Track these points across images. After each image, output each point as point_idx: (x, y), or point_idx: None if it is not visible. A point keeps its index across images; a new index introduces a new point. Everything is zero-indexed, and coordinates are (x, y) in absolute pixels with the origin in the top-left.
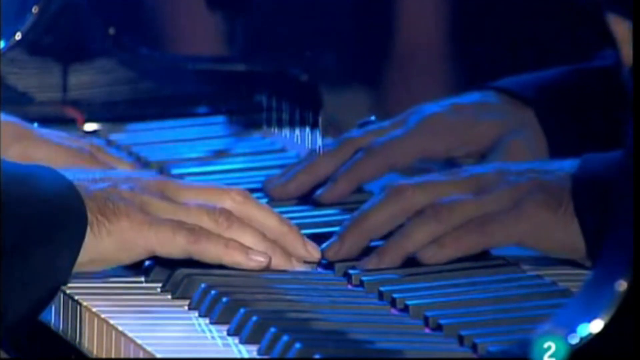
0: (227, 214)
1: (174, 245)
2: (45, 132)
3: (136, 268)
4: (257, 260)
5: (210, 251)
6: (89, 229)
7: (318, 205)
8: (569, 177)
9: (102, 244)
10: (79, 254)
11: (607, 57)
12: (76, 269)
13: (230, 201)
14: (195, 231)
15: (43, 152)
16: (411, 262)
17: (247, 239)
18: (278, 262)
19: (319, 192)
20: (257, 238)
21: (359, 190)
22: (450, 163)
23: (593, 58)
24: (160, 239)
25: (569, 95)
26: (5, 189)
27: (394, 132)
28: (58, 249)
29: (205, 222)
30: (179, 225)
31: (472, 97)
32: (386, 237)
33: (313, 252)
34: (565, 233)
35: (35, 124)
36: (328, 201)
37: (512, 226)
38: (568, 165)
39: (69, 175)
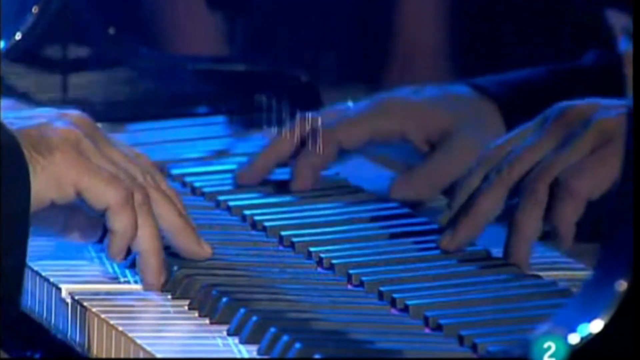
0: (144, 193)
1: (101, 195)
2: None
3: (135, 267)
4: (154, 282)
5: (121, 221)
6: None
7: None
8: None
9: (36, 180)
10: (30, 197)
11: (589, 57)
12: None
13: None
14: (126, 192)
15: None
16: (411, 262)
17: (169, 207)
18: (188, 237)
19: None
20: (155, 233)
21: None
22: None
23: (577, 58)
24: (92, 183)
25: (539, 93)
26: None
27: (347, 113)
28: (10, 197)
29: (133, 173)
30: (115, 179)
31: (442, 87)
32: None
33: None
34: None
35: None
36: (297, 190)
37: (601, 173)
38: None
39: None
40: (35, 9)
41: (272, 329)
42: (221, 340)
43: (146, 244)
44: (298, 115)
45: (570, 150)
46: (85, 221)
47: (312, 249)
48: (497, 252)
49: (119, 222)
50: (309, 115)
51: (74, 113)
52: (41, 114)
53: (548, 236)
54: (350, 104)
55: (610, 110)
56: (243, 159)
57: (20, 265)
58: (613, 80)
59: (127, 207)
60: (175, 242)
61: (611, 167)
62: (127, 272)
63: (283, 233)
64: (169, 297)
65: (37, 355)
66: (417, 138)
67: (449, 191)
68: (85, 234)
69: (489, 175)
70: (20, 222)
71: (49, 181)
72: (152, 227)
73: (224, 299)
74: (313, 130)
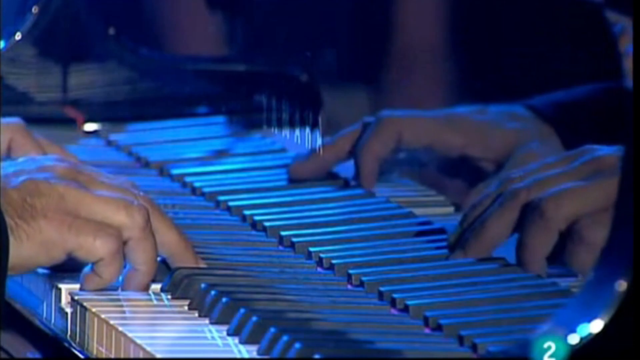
0: (144, 211)
1: (92, 251)
2: None
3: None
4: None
5: (113, 269)
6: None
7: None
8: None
9: (23, 248)
10: (6, 270)
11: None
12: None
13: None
14: (116, 241)
15: None
16: (411, 262)
17: (165, 233)
18: (190, 262)
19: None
20: (175, 234)
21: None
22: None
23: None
24: (80, 242)
25: (591, 113)
26: None
27: (414, 113)
28: None
29: (122, 215)
30: (101, 230)
31: (500, 106)
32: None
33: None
34: None
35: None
36: (361, 183)
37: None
38: None
39: None
40: (35, 9)
41: (272, 329)
42: (221, 340)
43: (175, 247)
44: (362, 120)
45: (586, 187)
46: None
47: (312, 249)
48: (496, 252)
49: (108, 272)
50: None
51: (55, 164)
52: (23, 169)
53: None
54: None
55: None
56: (243, 159)
57: None
58: None
59: (117, 257)
60: (176, 262)
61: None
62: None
63: (283, 233)
64: (169, 297)
65: (37, 355)
66: (479, 155)
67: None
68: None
69: (502, 197)
70: None
71: (37, 248)
72: (168, 230)
73: (224, 299)
74: (375, 122)
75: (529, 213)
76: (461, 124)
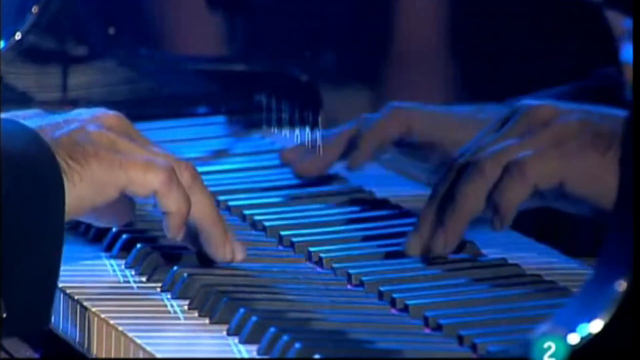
0: (192, 169)
1: (144, 184)
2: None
3: (135, 267)
4: (179, 238)
5: (167, 199)
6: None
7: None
8: (621, 121)
9: (76, 189)
10: (64, 216)
11: (604, 77)
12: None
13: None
14: (167, 172)
15: None
16: (411, 262)
17: (203, 198)
18: (217, 234)
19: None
20: (212, 203)
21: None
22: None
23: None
24: (131, 176)
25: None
26: None
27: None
28: (41, 215)
29: (171, 163)
30: (150, 164)
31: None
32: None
33: (239, 248)
34: (611, 178)
35: None
36: (358, 162)
37: (555, 164)
38: (622, 112)
39: (32, 124)
40: (35, 9)
41: (272, 329)
42: (221, 340)
43: (204, 216)
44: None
45: (525, 142)
46: (117, 204)
47: (312, 249)
48: (497, 252)
49: (169, 202)
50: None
51: (107, 114)
52: (74, 119)
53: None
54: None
55: (571, 115)
56: (243, 159)
57: (53, 280)
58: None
59: (173, 185)
60: (204, 235)
61: (564, 162)
62: (127, 272)
63: (283, 233)
64: (169, 297)
65: (37, 355)
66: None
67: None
68: (120, 217)
69: (470, 172)
70: (54, 238)
71: (89, 188)
72: (207, 198)
73: (224, 299)
74: (386, 109)
75: (505, 175)
76: (469, 124)
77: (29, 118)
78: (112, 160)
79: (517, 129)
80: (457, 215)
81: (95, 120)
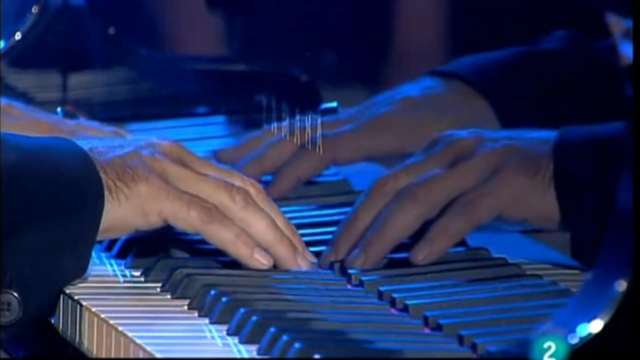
0: (244, 193)
1: (186, 220)
2: (73, 123)
3: (135, 267)
4: (260, 261)
5: (219, 235)
6: (107, 194)
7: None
8: (546, 143)
9: (121, 209)
10: (98, 229)
11: (556, 39)
12: (98, 237)
13: (246, 186)
14: (211, 211)
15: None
16: (410, 261)
17: (259, 222)
18: (283, 252)
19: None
20: (269, 223)
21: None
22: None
23: (541, 40)
24: (175, 210)
25: (521, 81)
26: (18, 161)
27: (345, 126)
28: (77, 225)
29: (222, 196)
30: (196, 201)
31: (422, 85)
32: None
33: (310, 259)
34: (543, 199)
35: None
36: (273, 197)
37: (493, 198)
38: (545, 134)
39: (86, 144)
40: (35, 9)
41: (272, 329)
42: (221, 340)
43: (261, 239)
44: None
45: (458, 172)
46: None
47: (312, 249)
48: (497, 252)
49: (216, 239)
50: (308, 121)
51: (162, 141)
52: (130, 143)
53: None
54: (335, 104)
55: (496, 143)
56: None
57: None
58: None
59: (215, 223)
60: (271, 250)
61: (502, 193)
62: (127, 272)
63: None
64: (169, 297)
65: (37, 355)
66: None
67: None
68: None
69: (371, 189)
70: (84, 257)
71: (134, 210)
72: (260, 220)
73: (224, 299)
74: (309, 140)
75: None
76: (390, 126)
77: (95, 138)
78: (159, 188)
79: (443, 157)
80: (382, 239)
81: (149, 146)
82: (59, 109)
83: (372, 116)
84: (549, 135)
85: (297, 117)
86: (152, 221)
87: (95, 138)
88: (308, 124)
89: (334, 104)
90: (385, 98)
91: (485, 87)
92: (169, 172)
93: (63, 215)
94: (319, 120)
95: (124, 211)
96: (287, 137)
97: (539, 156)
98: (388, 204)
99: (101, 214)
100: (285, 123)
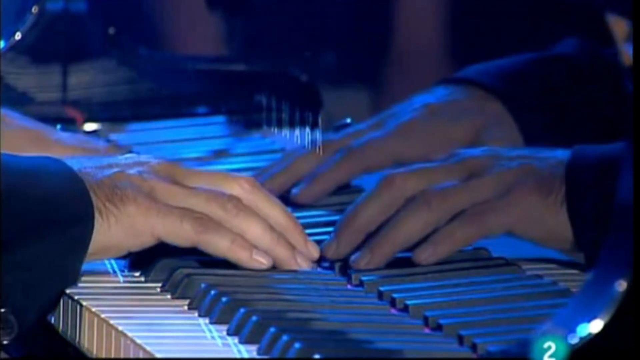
0: (235, 201)
1: (180, 233)
2: (65, 135)
3: (135, 267)
4: (259, 261)
5: (215, 244)
6: (97, 215)
7: (298, 205)
8: (561, 164)
9: (110, 231)
10: (88, 248)
11: (567, 45)
12: (87, 259)
13: (239, 188)
14: (203, 221)
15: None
16: (411, 261)
17: (254, 228)
18: (282, 255)
19: (295, 191)
20: (264, 228)
21: (348, 187)
22: None
23: (552, 46)
24: (167, 226)
25: (535, 84)
26: (7, 183)
27: (372, 134)
28: (67, 243)
29: (214, 208)
30: (187, 213)
31: (439, 93)
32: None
33: (313, 251)
34: (555, 220)
35: (58, 127)
36: (304, 201)
37: (505, 213)
38: (560, 153)
39: (75, 164)
40: (35, 9)
41: (272, 329)
42: (221, 340)
43: (258, 243)
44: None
45: (472, 186)
46: None
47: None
48: (497, 252)
49: (212, 247)
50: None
51: (150, 160)
52: (117, 163)
53: None
54: (348, 120)
55: (512, 162)
56: (243, 159)
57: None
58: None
59: (209, 232)
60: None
61: (512, 211)
62: (127, 272)
63: None
64: (169, 297)
65: (36, 355)
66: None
67: None
68: None
69: (379, 184)
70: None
71: (124, 232)
72: (254, 225)
73: (224, 299)
74: (335, 152)
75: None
76: (416, 132)
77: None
78: (148, 207)
79: (457, 170)
80: (390, 242)
81: (137, 164)
82: (58, 126)
83: (398, 123)
84: (564, 155)
85: (319, 130)
86: (145, 241)
87: (83, 157)
88: (333, 137)
89: (348, 121)
90: (405, 107)
91: (501, 91)
92: (158, 190)
93: (53, 233)
94: (344, 132)
95: (115, 233)
96: (316, 149)
97: (554, 177)
98: (400, 209)
99: (91, 233)
100: (310, 137)
